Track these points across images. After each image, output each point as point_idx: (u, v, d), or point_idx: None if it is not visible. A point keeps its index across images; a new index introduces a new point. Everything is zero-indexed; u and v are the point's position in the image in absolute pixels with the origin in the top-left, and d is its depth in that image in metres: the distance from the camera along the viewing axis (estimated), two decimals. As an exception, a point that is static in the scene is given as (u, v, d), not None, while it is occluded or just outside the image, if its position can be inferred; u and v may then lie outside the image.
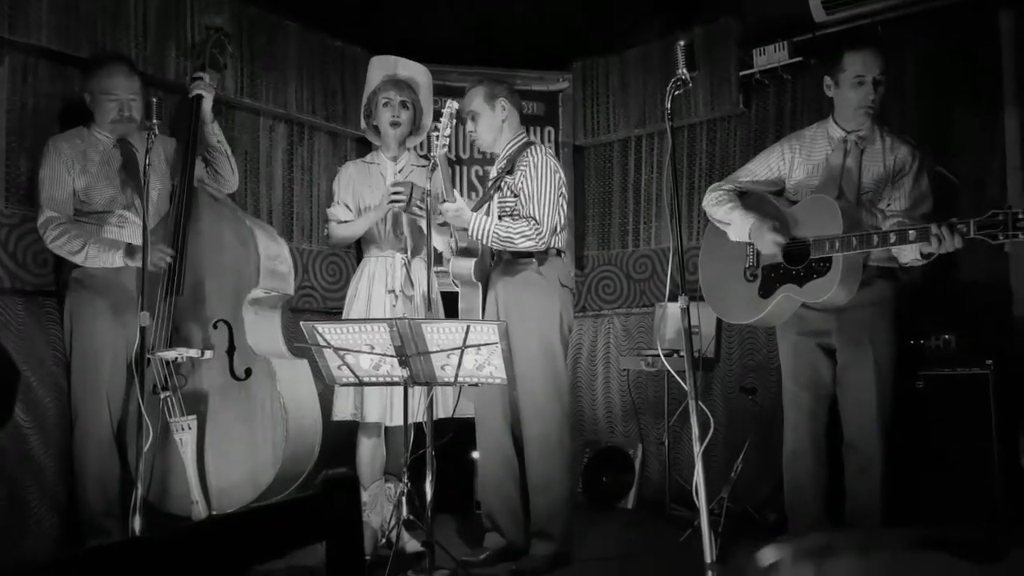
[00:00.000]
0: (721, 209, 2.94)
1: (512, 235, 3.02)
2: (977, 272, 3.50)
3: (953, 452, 3.11)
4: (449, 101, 3.00)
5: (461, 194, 4.00)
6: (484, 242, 3.07)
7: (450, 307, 3.51)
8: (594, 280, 4.86)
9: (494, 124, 3.22)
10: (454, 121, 3.01)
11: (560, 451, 3.10)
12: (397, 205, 3.26)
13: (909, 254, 2.62)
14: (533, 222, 3.03)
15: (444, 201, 3.06)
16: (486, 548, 3.18)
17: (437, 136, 3.01)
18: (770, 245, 2.77)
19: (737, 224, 2.88)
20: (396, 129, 3.43)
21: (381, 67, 3.54)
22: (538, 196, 3.06)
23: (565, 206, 3.19)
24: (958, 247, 2.41)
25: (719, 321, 3.86)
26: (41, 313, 3.15)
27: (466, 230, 3.09)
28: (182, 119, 3.28)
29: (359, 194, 3.48)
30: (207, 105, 3.24)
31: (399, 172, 3.50)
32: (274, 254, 3.17)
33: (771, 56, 4.04)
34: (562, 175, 3.18)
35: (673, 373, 2.47)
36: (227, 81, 3.60)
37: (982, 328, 3.34)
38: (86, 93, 3.10)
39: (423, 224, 3.10)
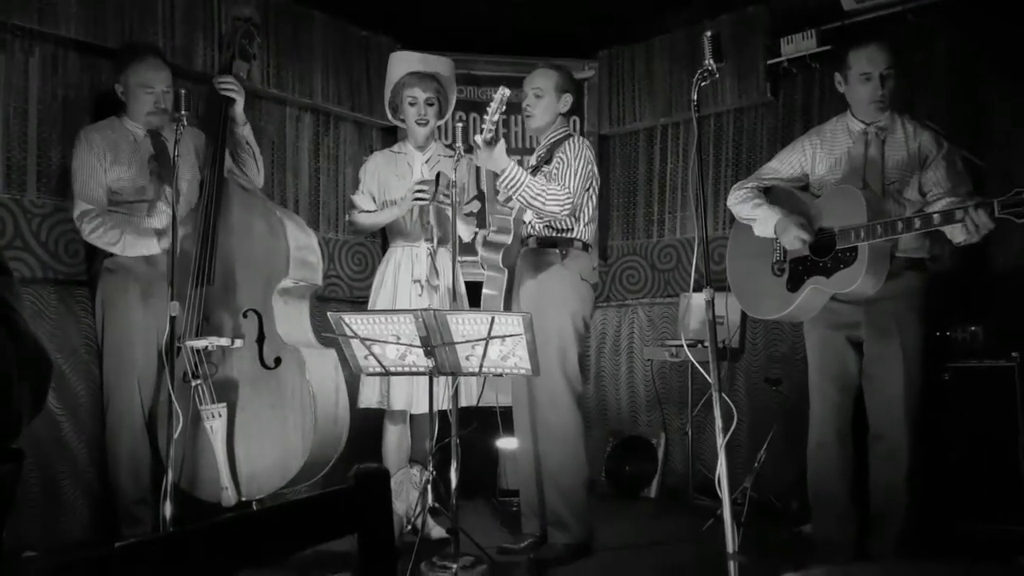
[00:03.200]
0: (746, 206, 2.94)
1: (544, 193, 2.97)
2: (1005, 264, 3.45)
3: (979, 444, 3.10)
4: (502, 87, 2.84)
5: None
6: (512, 194, 2.98)
7: (474, 296, 3.53)
8: (618, 270, 4.85)
9: (552, 111, 3.23)
10: (503, 107, 2.87)
11: (573, 442, 3.10)
12: (421, 203, 3.31)
13: (960, 234, 2.58)
14: (565, 188, 3.03)
15: (485, 140, 2.88)
16: (526, 535, 3.20)
17: (485, 120, 2.88)
18: (795, 240, 2.77)
19: (762, 220, 2.88)
20: (423, 127, 3.48)
21: (403, 62, 3.55)
22: (572, 173, 3.08)
23: (595, 197, 3.19)
24: (991, 228, 2.40)
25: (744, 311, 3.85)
26: (73, 302, 3.21)
27: (500, 197, 3.07)
28: (212, 113, 3.31)
29: (385, 184, 3.51)
30: (238, 108, 3.25)
31: (426, 162, 3.52)
32: (303, 244, 3.20)
33: (799, 44, 3.99)
34: (595, 168, 3.19)
35: (697, 365, 2.47)
36: (253, 71, 3.63)
37: (1009, 320, 3.30)
38: (118, 84, 3.12)
39: (449, 213, 3.10)
